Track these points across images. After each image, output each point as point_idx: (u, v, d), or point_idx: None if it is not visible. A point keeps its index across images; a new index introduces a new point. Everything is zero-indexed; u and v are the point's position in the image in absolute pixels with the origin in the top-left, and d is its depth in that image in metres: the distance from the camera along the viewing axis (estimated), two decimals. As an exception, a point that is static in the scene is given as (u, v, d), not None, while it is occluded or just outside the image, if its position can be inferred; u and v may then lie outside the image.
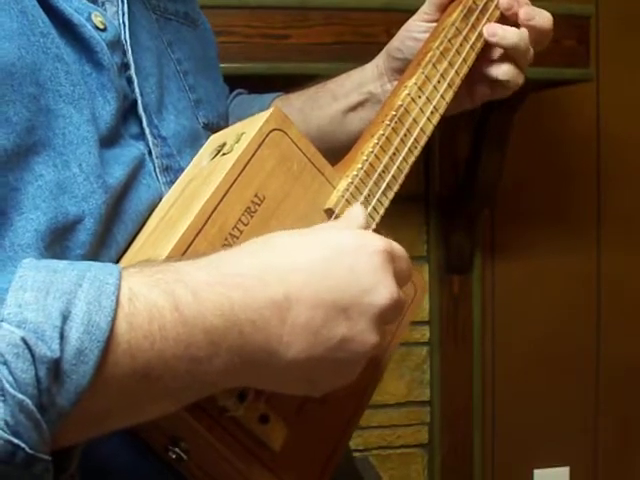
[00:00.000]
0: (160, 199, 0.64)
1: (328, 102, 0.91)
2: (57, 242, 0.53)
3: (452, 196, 1.75)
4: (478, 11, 0.80)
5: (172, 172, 0.66)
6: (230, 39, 1.31)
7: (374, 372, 0.69)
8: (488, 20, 0.80)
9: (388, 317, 0.56)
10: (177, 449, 0.56)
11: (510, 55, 0.81)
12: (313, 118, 0.91)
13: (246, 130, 0.62)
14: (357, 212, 0.64)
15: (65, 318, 0.43)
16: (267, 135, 0.61)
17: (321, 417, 0.63)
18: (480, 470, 1.84)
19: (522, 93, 1.56)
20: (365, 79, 0.88)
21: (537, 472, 1.88)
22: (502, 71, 0.82)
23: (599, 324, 1.90)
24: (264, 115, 0.62)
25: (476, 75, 0.83)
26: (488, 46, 0.81)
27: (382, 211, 0.70)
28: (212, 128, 0.74)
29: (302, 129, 0.88)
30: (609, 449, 1.92)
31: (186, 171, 0.66)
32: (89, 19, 0.61)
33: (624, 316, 1.90)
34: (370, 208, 0.69)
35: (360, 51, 0.92)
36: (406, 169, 0.72)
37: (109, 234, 0.58)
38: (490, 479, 1.86)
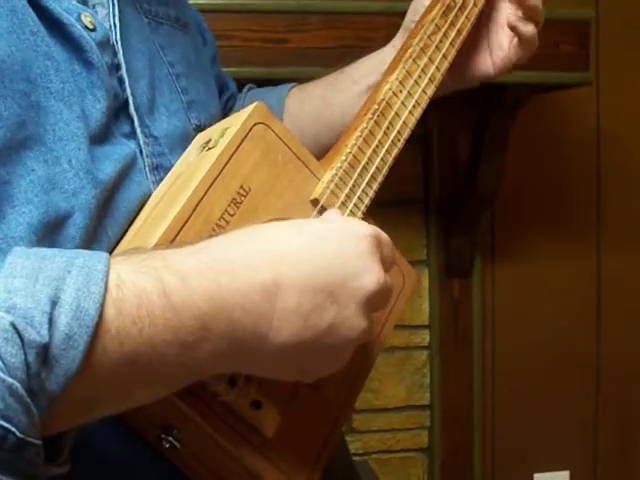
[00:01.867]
0: (150, 196, 0.65)
1: (348, 86, 0.91)
2: (48, 236, 0.54)
3: (452, 200, 1.75)
4: (457, 8, 0.81)
5: (163, 170, 0.67)
6: (229, 43, 1.31)
7: (365, 360, 0.69)
8: (467, 18, 0.82)
9: (376, 302, 0.57)
10: (170, 438, 0.56)
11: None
12: (335, 104, 0.91)
13: (230, 125, 0.63)
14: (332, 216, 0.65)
15: (54, 304, 0.43)
16: (251, 129, 0.62)
17: (313, 405, 0.64)
18: (480, 474, 1.84)
19: (522, 97, 1.56)
20: (384, 60, 0.87)
21: (537, 476, 1.88)
22: (527, 28, 0.84)
23: (599, 328, 1.90)
24: (247, 110, 0.63)
25: (485, 41, 0.86)
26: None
27: (367, 201, 0.71)
28: (204, 130, 0.75)
29: (325, 115, 0.90)
30: (609, 453, 1.92)
31: (174, 168, 0.67)
32: (79, 19, 0.61)
33: (624, 320, 1.89)
34: (355, 198, 0.70)
35: (360, 55, 0.91)
36: (390, 161, 0.73)
37: (101, 229, 0.59)
38: (490, 483, 1.86)
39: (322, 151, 0.85)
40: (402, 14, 0.87)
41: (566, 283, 1.86)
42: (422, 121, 1.60)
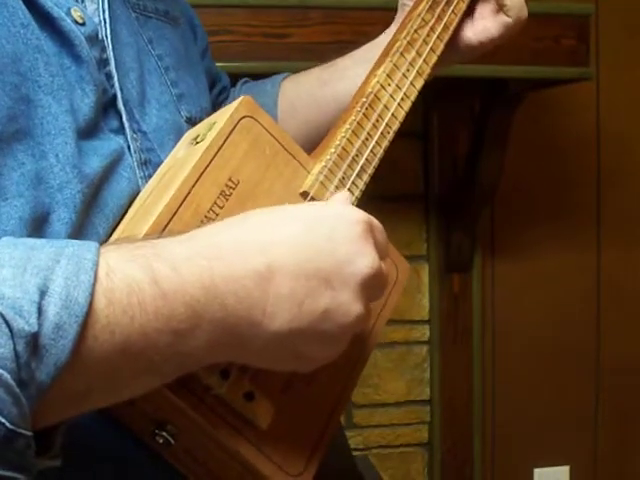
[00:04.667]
0: (139, 192, 0.64)
1: (345, 65, 0.90)
2: (36, 231, 0.54)
3: (452, 195, 1.75)
4: (443, 3, 0.82)
5: (151, 166, 0.67)
6: (230, 38, 1.31)
7: (360, 352, 0.69)
8: (453, 12, 0.82)
9: (372, 287, 0.56)
10: (164, 433, 0.56)
11: None
12: (330, 81, 0.90)
13: (217, 119, 0.63)
14: (344, 196, 0.65)
15: (43, 293, 0.43)
16: (238, 122, 0.62)
17: (308, 398, 0.64)
18: (480, 469, 1.84)
19: (522, 91, 1.56)
20: (380, 45, 0.86)
21: (537, 471, 1.88)
22: None
23: (599, 323, 1.90)
24: (234, 104, 0.64)
25: (472, 17, 0.85)
26: None
27: (358, 193, 0.71)
28: (195, 122, 0.75)
29: (319, 94, 0.90)
30: (609, 448, 1.92)
31: (163, 164, 0.67)
32: (68, 13, 0.62)
33: (624, 315, 1.90)
34: (345, 190, 0.70)
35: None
36: (380, 153, 0.73)
37: (90, 225, 0.59)
38: (490, 478, 1.87)
39: (314, 132, 0.83)
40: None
41: (566, 278, 1.86)
42: (422, 116, 1.62)
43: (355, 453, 1.70)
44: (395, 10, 0.88)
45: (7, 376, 0.40)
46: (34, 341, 0.42)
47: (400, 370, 1.79)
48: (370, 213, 0.60)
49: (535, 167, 1.83)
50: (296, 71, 0.98)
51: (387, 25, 0.89)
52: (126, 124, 0.66)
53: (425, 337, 1.81)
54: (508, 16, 0.84)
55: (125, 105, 0.67)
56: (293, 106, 0.92)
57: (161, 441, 0.56)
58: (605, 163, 1.87)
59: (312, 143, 0.75)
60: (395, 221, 1.69)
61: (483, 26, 0.85)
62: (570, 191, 1.86)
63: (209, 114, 0.84)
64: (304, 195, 0.66)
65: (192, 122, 0.76)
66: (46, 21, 0.59)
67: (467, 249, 1.78)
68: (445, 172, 1.76)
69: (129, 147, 0.65)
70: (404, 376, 1.80)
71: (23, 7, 0.57)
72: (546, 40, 1.45)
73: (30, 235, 0.53)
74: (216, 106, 0.97)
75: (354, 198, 0.70)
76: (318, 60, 0.94)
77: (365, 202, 0.71)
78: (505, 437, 1.86)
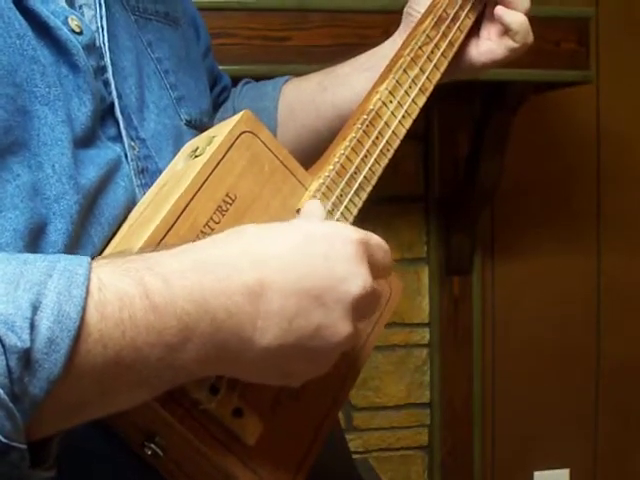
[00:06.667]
0: (136, 201, 0.64)
1: (346, 72, 0.90)
2: (32, 242, 0.54)
3: (452, 197, 1.75)
4: (449, 20, 0.81)
5: (148, 174, 0.67)
6: (230, 41, 1.31)
7: (350, 370, 0.69)
8: (459, 29, 0.82)
9: (363, 307, 0.56)
10: (153, 445, 0.56)
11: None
12: (329, 88, 0.90)
13: (217, 134, 0.64)
14: (314, 207, 0.65)
15: (35, 309, 0.43)
16: (237, 137, 0.63)
17: (296, 414, 0.64)
18: (480, 472, 1.84)
19: (523, 94, 1.57)
20: (384, 53, 0.85)
21: (537, 474, 1.88)
22: (516, 19, 0.82)
23: (599, 325, 1.90)
24: (235, 118, 0.64)
25: (478, 36, 0.85)
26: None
27: (355, 211, 0.71)
28: (195, 125, 0.75)
29: (318, 99, 0.89)
30: (609, 452, 1.92)
31: (160, 177, 0.67)
32: (65, 22, 0.62)
33: (624, 318, 1.90)
34: (342, 207, 0.70)
35: (359, 53, 0.92)
36: (379, 171, 0.73)
37: (86, 235, 0.59)
38: (490, 481, 1.87)
39: (313, 137, 0.83)
40: (400, 11, 0.87)
41: (566, 280, 1.86)
42: (423, 118, 1.61)
43: (355, 456, 1.70)
44: (395, 13, 0.88)
45: (0, 391, 0.41)
46: (27, 356, 0.42)
47: (400, 373, 1.79)
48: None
49: (536, 170, 1.83)
50: (296, 74, 0.98)
51: (386, 28, 0.89)
52: (123, 132, 0.66)
53: (425, 340, 1.80)
54: (514, 41, 0.83)
55: (123, 112, 0.66)
56: (292, 110, 0.92)
57: (149, 452, 0.56)
58: (605, 165, 1.87)
59: (311, 148, 0.75)
60: (395, 223, 1.69)
61: (488, 47, 0.85)
62: (570, 193, 1.86)
63: (210, 115, 0.84)
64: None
65: (192, 125, 0.76)
66: (43, 31, 0.59)
67: (467, 251, 1.78)
68: (445, 174, 1.76)
69: (126, 155, 0.65)
70: (404, 379, 1.80)
71: (20, 17, 0.57)
72: (547, 43, 1.45)
73: (26, 246, 0.53)
74: (217, 106, 0.97)
75: (352, 217, 0.70)
76: (318, 63, 0.94)
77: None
78: (505, 440, 1.86)
